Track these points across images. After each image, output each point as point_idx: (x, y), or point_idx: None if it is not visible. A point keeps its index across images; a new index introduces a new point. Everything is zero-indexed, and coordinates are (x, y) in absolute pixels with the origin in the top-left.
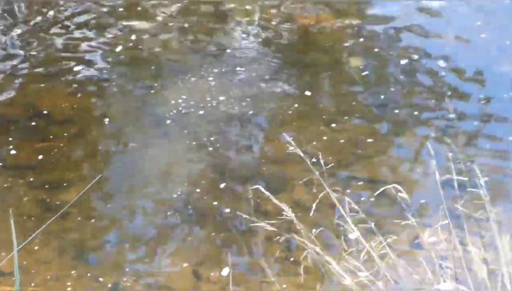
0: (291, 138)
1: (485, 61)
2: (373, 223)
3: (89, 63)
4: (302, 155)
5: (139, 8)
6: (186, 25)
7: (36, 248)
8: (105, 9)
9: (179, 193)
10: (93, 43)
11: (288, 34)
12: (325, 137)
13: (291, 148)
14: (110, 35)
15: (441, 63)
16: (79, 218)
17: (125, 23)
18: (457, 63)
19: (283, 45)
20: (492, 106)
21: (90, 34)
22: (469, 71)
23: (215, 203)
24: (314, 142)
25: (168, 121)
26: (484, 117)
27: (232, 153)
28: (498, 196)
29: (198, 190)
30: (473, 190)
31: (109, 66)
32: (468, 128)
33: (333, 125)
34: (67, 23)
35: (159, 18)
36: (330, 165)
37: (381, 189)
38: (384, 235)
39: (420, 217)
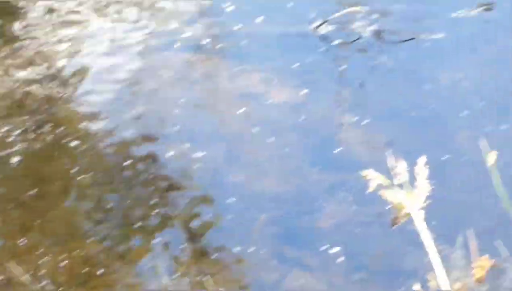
0: (22, 263)
1: None
2: None
3: None
4: (27, 283)
5: None
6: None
7: None
8: None
9: None
10: None
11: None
12: (55, 260)
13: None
14: None
15: None
16: None
17: None
18: None
19: None
20: None
21: None
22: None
23: None
24: (45, 267)
25: None
26: None
27: None
28: None
29: None
30: None
31: None
32: None
33: (64, 246)
34: None
35: None
36: (60, 288)
37: None
38: None
39: None
